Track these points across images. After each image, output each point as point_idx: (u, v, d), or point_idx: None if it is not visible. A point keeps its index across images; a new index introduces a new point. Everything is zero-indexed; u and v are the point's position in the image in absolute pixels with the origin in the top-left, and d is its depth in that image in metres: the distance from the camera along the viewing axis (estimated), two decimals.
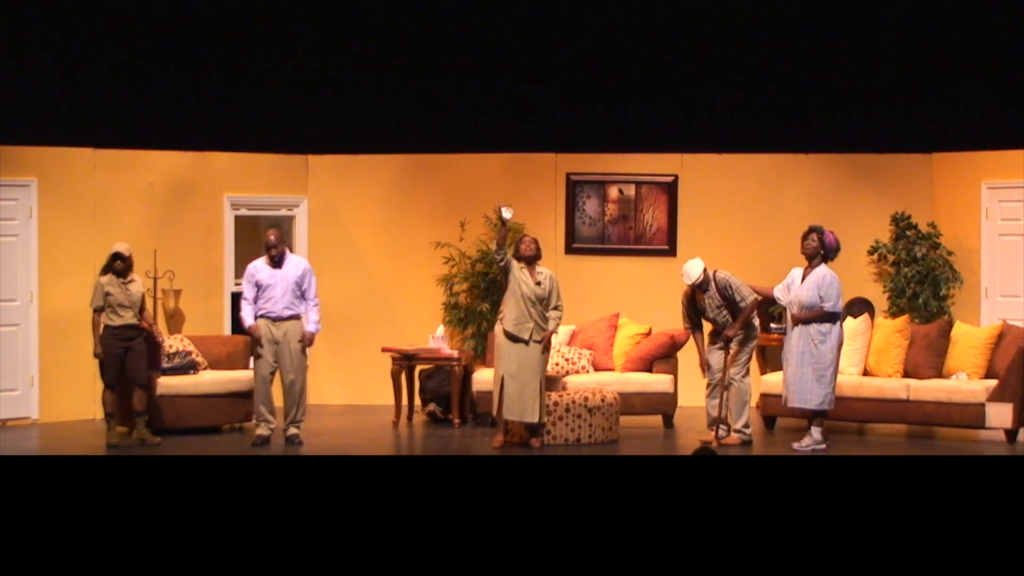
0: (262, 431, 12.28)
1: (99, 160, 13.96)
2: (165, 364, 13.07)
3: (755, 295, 12.35)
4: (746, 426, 12.33)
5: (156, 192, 14.27)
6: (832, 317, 12.06)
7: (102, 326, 12.25)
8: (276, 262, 12.34)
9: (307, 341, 12.38)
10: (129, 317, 12.29)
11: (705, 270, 12.33)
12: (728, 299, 12.30)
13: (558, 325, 12.32)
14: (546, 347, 12.17)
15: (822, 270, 12.13)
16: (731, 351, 12.37)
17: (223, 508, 6.30)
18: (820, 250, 12.15)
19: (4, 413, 13.39)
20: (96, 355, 12.33)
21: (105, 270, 12.36)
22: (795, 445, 12.08)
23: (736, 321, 12.31)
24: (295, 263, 12.47)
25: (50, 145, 13.68)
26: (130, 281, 12.36)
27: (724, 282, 12.31)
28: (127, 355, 12.29)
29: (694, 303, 12.47)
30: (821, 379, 11.98)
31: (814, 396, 11.98)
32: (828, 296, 12.01)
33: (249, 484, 6.49)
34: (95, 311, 12.28)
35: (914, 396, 12.66)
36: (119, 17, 14.12)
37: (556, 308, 12.23)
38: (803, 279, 12.16)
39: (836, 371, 12.11)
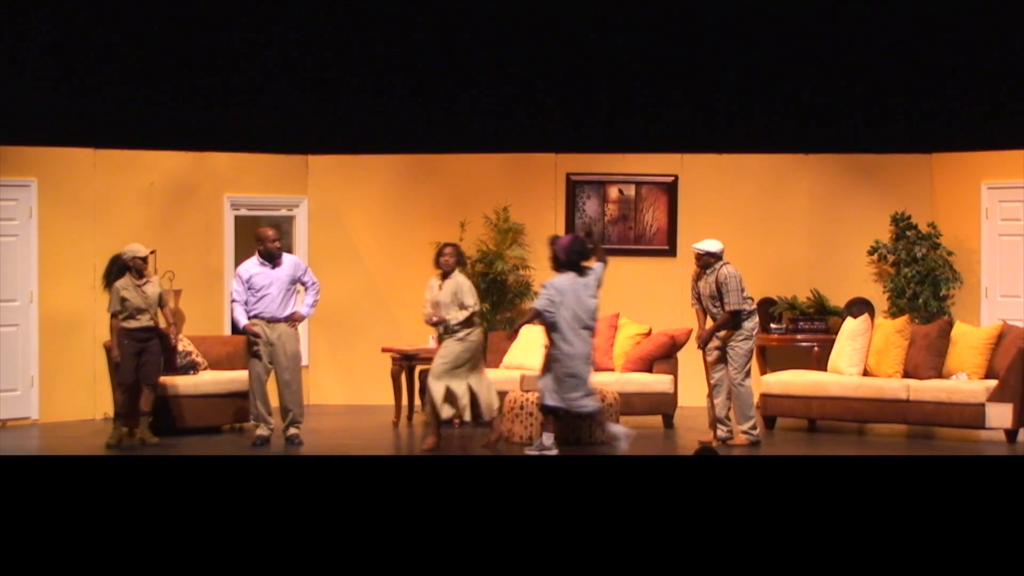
0: (261, 431, 12.27)
1: (99, 160, 13.97)
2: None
3: (740, 308, 12.20)
4: (753, 428, 12.27)
5: (156, 192, 14.27)
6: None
7: (119, 329, 12.22)
8: (273, 260, 12.32)
9: (297, 318, 12.31)
10: (145, 320, 12.25)
11: (714, 254, 12.23)
12: (721, 296, 12.19)
13: (460, 319, 12.10)
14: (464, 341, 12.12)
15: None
16: (712, 349, 12.34)
17: (223, 508, 6.30)
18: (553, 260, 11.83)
19: (4, 413, 13.39)
20: (114, 358, 12.31)
21: (119, 273, 12.29)
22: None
23: (715, 324, 12.25)
24: (288, 262, 12.45)
25: (50, 145, 13.68)
26: (145, 283, 12.33)
27: (723, 278, 12.16)
28: (141, 356, 12.26)
29: (698, 283, 12.40)
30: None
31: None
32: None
33: (249, 484, 6.49)
34: (112, 315, 12.24)
35: (914, 396, 12.66)
36: (119, 17, 14.12)
37: (464, 307, 12.13)
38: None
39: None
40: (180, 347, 13.34)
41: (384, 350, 13.98)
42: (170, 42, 14.35)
